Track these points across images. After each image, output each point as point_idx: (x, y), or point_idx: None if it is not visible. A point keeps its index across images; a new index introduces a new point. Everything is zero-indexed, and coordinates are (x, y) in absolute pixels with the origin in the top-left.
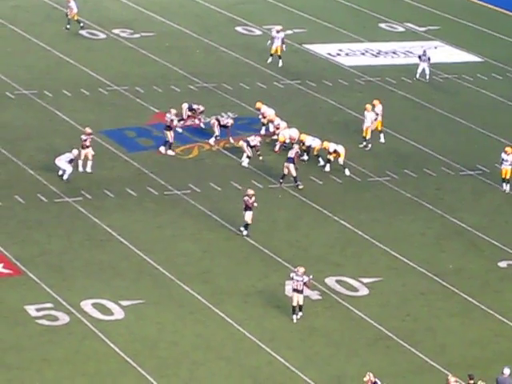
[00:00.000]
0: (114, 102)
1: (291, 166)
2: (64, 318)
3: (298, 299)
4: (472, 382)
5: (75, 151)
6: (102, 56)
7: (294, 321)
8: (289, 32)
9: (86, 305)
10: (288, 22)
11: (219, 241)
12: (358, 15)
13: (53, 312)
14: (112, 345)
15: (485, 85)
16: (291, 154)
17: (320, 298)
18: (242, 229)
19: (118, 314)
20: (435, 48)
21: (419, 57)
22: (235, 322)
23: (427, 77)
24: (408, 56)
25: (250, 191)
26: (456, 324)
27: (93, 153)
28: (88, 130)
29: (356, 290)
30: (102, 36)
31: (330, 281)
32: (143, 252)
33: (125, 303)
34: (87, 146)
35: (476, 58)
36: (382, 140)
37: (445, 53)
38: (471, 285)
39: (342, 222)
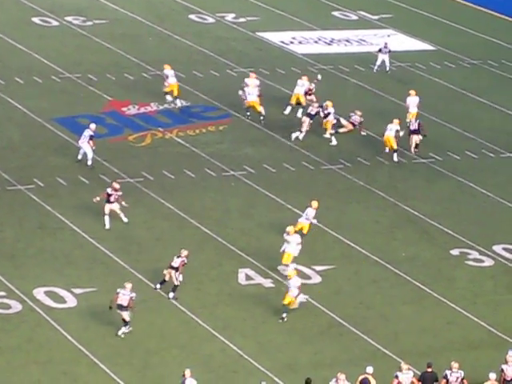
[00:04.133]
0: (66, 89)
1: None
2: (16, 306)
3: (122, 316)
4: (430, 370)
5: (93, 125)
6: (55, 43)
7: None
8: (242, 20)
9: (39, 293)
10: (241, 10)
11: (172, 229)
12: (311, 3)
13: (5, 300)
14: (65, 333)
15: (437, 73)
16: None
17: (273, 286)
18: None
19: (71, 301)
20: (388, 36)
21: (380, 50)
22: (188, 310)
23: (387, 68)
24: (361, 44)
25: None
26: (408, 312)
27: (119, 206)
28: (116, 185)
29: (309, 277)
30: (55, 23)
31: (283, 268)
32: (96, 240)
33: (77, 291)
34: (112, 202)
35: (429, 46)
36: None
37: (398, 41)
38: (424, 273)
39: (295, 210)
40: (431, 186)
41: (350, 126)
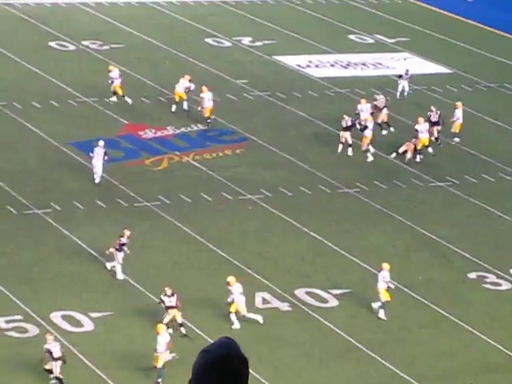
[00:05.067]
0: (83, 113)
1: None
2: (33, 330)
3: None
4: None
5: (101, 142)
6: (72, 67)
7: None
8: (258, 43)
9: (56, 317)
10: (257, 34)
11: (189, 252)
12: (327, 26)
13: (22, 324)
14: (82, 357)
15: (454, 96)
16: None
17: (290, 309)
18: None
19: (88, 325)
20: (404, 59)
21: (400, 76)
22: (204, 333)
23: (405, 93)
24: (377, 67)
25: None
26: (426, 335)
27: (179, 319)
28: (168, 290)
29: (326, 301)
30: (72, 47)
31: (300, 292)
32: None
33: (94, 315)
34: (170, 308)
35: (445, 69)
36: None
37: (414, 64)
38: (441, 296)
39: (312, 233)
40: (448, 210)
41: (411, 146)
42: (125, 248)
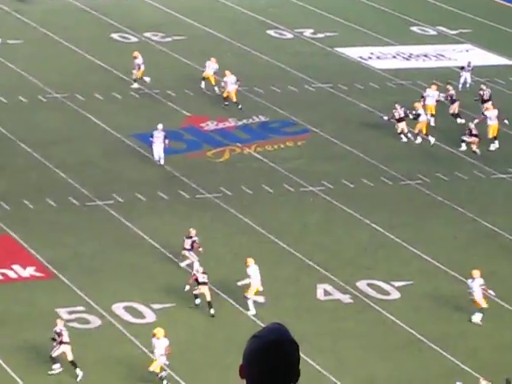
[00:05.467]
0: (145, 105)
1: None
2: (96, 322)
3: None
4: None
5: (160, 125)
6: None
7: None
8: (320, 35)
9: (118, 308)
10: (319, 26)
11: (250, 244)
12: (389, 18)
13: (84, 315)
14: (144, 348)
15: None
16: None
17: (351, 301)
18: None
19: (150, 317)
20: (467, 51)
21: (462, 67)
22: (264, 322)
23: (467, 85)
24: (439, 59)
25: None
26: (488, 328)
27: (208, 297)
28: (200, 268)
29: (387, 293)
30: (134, 39)
31: (362, 284)
32: (174, 255)
33: (156, 306)
34: (203, 284)
35: (508, 61)
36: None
37: (476, 56)
38: (503, 288)
39: (374, 225)
40: (510, 201)
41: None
42: (196, 246)
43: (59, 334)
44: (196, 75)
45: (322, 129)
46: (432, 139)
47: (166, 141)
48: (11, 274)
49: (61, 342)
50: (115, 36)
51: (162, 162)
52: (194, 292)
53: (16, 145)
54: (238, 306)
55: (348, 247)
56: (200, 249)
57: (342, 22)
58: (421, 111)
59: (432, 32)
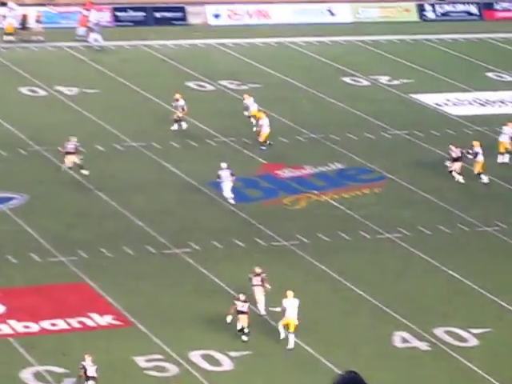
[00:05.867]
0: (222, 153)
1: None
2: (173, 369)
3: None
4: None
5: (224, 164)
6: (210, 107)
7: None
8: (396, 82)
9: (195, 356)
10: (395, 72)
11: (327, 291)
12: (465, 64)
13: (162, 363)
14: None
15: None
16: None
17: (429, 348)
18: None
19: (227, 365)
20: None
21: None
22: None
23: None
24: None
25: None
26: None
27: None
28: (242, 296)
29: (465, 340)
30: (210, 87)
31: (439, 331)
32: (251, 303)
33: (233, 354)
34: (241, 313)
35: None
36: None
37: None
38: None
39: (451, 272)
40: None
41: None
42: (263, 283)
43: (84, 369)
44: (272, 123)
45: (399, 175)
46: (485, 178)
47: (233, 177)
48: (89, 323)
49: (87, 378)
50: (191, 84)
51: (233, 202)
52: (238, 324)
53: (93, 193)
54: (316, 353)
55: (425, 294)
56: (268, 285)
57: (417, 69)
58: (478, 149)
59: (508, 78)
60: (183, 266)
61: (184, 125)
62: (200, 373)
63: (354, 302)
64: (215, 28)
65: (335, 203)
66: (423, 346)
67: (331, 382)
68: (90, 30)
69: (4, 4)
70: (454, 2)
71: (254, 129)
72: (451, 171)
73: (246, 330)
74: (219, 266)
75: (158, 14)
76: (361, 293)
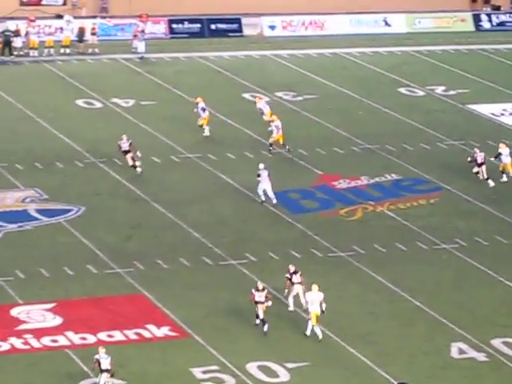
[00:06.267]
0: (277, 164)
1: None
2: (230, 381)
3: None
4: None
5: (261, 165)
6: (260, 118)
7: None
8: (452, 92)
9: (252, 367)
10: (451, 83)
11: (384, 302)
12: None
13: (219, 374)
14: None
15: None
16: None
17: (486, 359)
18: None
19: (284, 376)
20: None
21: None
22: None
23: None
24: None
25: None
26: None
27: (261, 314)
28: (260, 285)
29: None
30: (265, 99)
31: (497, 342)
32: (307, 313)
33: (290, 365)
34: (259, 303)
35: None
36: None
37: None
38: None
39: (508, 282)
40: None
41: None
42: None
43: (98, 362)
44: (328, 134)
45: (455, 186)
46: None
47: (269, 176)
48: (146, 334)
49: (101, 371)
50: (247, 96)
51: (275, 201)
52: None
53: (150, 205)
54: (372, 364)
55: (482, 305)
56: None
57: (473, 79)
58: (502, 151)
59: None
60: (239, 277)
61: (207, 131)
62: None
63: (410, 312)
64: (270, 39)
65: (391, 214)
66: (480, 356)
67: None
68: (135, 37)
69: (61, 17)
70: (510, 12)
71: (269, 129)
72: (477, 173)
73: (257, 321)
74: (275, 277)
75: (213, 26)
76: (417, 304)
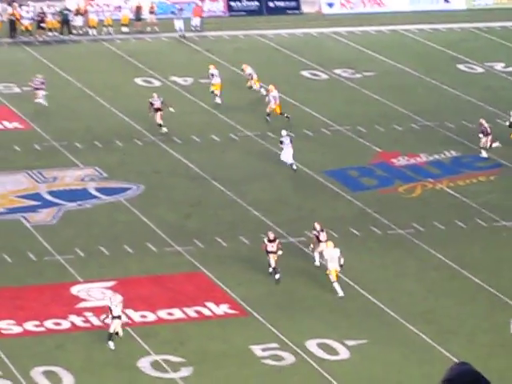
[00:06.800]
0: (336, 141)
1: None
2: (289, 358)
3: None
4: None
5: (284, 132)
6: (324, 96)
7: None
8: (511, 69)
9: (312, 345)
10: (510, 59)
11: (443, 280)
12: None
13: (278, 352)
14: None
15: None
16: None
17: None
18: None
19: (344, 353)
20: None
21: None
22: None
23: None
24: None
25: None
26: None
27: (273, 263)
28: (271, 235)
29: None
30: (324, 76)
31: None
32: (368, 292)
33: (350, 343)
34: (271, 252)
35: None
36: None
37: None
38: None
39: None
40: None
41: None
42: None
43: (110, 310)
44: (387, 111)
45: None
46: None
47: (291, 143)
48: (205, 312)
49: (113, 317)
50: (305, 73)
51: (295, 166)
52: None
53: (209, 183)
54: (432, 342)
55: None
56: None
57: None
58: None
59: None
60: (299, 254)
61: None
62: (316, 361)
63: (470, 290)
64: (329, 17)
65: (450, 191)
66: None
67: (445, 374)
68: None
69: None
70: None
71: (267, 99)
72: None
73: (270, 270)
74: None
75: (271, 4)
76: (477, 281)
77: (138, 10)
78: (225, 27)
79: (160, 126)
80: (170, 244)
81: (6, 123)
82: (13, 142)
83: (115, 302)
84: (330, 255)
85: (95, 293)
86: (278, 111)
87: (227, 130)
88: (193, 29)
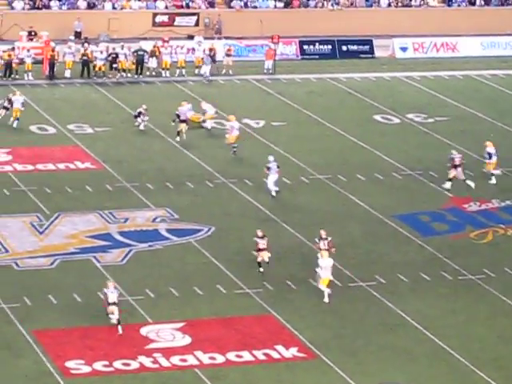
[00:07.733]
0: (407, 186)
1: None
2: None
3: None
4: None
5: (271, 157)
6: (396, 140)
7: None
8: None
9: None
10: None
11: None
12: None
13: None
14: None
15: None
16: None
17: None
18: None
19: None
20: None
21: None
22: None
23: None
24: None
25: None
26: None
27: (267, 259)
28: (260, 233)
29: None
30: (396, 121)
31: None
32: (437, 337)
33: None
34: (261, 250)
35: None
36: None
37: None
38: None
39: None
40: None
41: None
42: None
43: (106, 296)
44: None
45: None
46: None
47: (278, 169)
48: (274, 355)
49: (109, 304)
50: (377, 117)
51: (274, 193)
52: (258, 260)
53: (279, 225)
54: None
55: None
56: (333, 249)
57: None
58: (490, 149)
59: None
60: (368, 299)
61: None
62: None
63: None
64: (402, 61)
65: None
66: None
67: None
68: (203, 61)
69: (191, 37)
70: None
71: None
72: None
73: (261, 269)
74: (404, 299)
75: (344, 47)
76: None
77: (212, 52)
78: (297, 70)
79: (178, 133)
80: (239, 286)
81: (79, 163)
82: (85, 182)
83: (111, 288)
84: (325, 265)
85: (165, 334)
86: (232, 141)
87: (298, 173)
88: (265, 71)
